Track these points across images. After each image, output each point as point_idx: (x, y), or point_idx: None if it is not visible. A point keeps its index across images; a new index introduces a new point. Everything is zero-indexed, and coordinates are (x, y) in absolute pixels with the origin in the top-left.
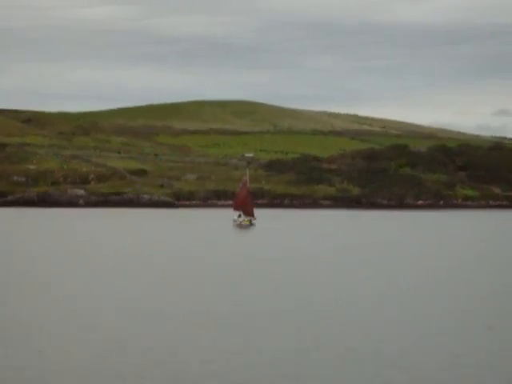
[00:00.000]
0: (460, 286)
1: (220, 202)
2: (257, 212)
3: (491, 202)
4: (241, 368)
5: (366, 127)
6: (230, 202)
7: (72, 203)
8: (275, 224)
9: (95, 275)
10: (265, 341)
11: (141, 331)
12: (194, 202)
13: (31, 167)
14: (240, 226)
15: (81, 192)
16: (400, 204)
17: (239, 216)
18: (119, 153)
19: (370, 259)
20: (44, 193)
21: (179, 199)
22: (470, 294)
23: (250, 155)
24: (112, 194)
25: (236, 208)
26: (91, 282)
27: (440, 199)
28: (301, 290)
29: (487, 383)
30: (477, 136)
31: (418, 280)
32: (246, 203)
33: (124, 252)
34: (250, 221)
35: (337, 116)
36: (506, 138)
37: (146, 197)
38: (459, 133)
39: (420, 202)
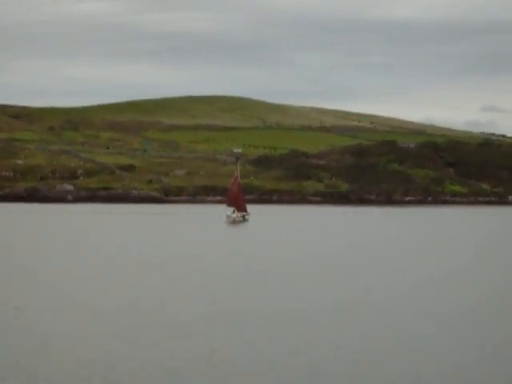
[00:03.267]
0: (460, 284)
1: (209, 198)
2: (248, 208)
3: (480, 198)
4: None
5: (354, 123)
6: (219, 198)
7: (60, 198)
8: (269, 220)
9: (91, 274)
10: (263, 341)
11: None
12: (182, 197)
13: (19, 162)
14: (234, 221)
15: (69, 187)
16: (388, 200)
17: (233, 212)
18: (108, 148)
19: (368, 257)
20: (32, 188)
21: (168, 195)
22: (471, 292)
23: (239, 151)
24: (100, 189)
25: (229, 204)
26: (87, 280)
27: (428, 195)
28: (301, 290)
29: (487, 382)
30: (465, 132)
31: (417, 278)
32: (238, 199)
33: (121, 250)
34: (244, 216)
35: (326, 112)
36: (494, 135)
37: (135, 192)
38: (448, 129)
39: (408, 198)
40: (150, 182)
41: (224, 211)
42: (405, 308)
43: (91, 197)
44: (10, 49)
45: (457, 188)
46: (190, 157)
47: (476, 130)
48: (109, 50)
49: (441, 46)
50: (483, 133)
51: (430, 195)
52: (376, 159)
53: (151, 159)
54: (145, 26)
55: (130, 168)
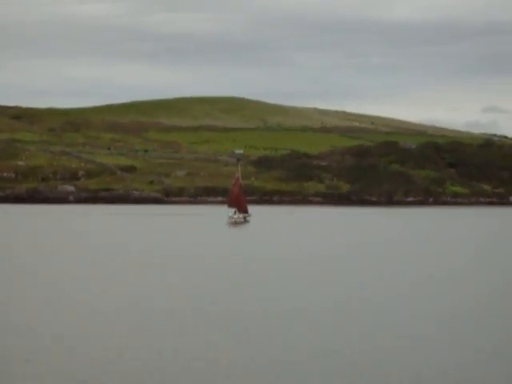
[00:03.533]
0: (460, 284)
1: (210, 199)
2: (249, 209)
3: (481, 199)
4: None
5: (355, 124)
6: (220, 199)
7: (62, 199)
8: (270, 221)
9: (91, 274)
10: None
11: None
12: (183, 198)
13: (21, 163)
14: (235, 222)
15: (70, 188)
16: (389, 201)
17: (235, 213)
18: (109, 149)
19: (368, 257)
20: (33, 189)
21: (169, 195)
22: (471, 292)
23: (240, 152)
24: (101, 190)
25: (230, 205)
26: (87, 280)
27: (429, 196)
28: (301, 290)
29: (487, 382)
30: (467, 133)
31: (417, 278)
32: (240, 200)
33: (121, 251)
34: (245, 217)
35: (327, 113)
36: (495, 135)
37: (136, 193)
38: (449, 130)
39: (409, 199)
40: (151, 182)
41: (225, 212)
42: (405, 308)
43: (92, 198)
44: (9, 49)
45: (458, 189)
46: (190, 158)
47: (477, 130)
48: (109, 51)
49: (441, 46)
50: (484, 133)
51: (431, 196)
52: (377, 160)
53: (152, 160)
54: (145, 27)
55: (130, 169)
